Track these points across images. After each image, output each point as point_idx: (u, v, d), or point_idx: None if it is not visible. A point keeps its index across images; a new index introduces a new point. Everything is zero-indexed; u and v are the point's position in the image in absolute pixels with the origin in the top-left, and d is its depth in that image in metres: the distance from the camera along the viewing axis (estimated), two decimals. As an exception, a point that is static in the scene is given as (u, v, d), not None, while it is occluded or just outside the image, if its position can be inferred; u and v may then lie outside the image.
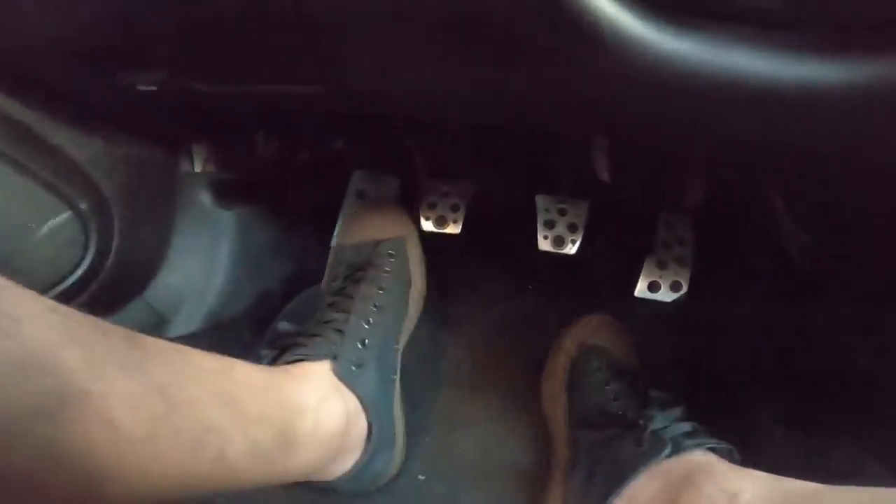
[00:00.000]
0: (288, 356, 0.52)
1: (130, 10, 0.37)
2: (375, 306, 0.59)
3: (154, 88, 0.47)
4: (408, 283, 0.65)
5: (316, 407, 0.47)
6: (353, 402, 0.52)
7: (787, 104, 0.31)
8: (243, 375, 0.41)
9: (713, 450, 0.45)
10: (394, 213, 0.69)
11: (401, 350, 0.63)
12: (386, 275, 0.63)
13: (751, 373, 0.66)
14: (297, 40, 0.36)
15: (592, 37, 0.30)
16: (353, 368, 0.53)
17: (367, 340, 0.56)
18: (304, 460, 0.45)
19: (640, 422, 0.49)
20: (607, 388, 0.56)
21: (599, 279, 0.74)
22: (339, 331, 0.55)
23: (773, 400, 0.63)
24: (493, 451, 0.63)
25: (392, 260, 0.64)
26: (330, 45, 0.36)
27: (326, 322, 0.57)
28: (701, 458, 0.45)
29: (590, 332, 0.63)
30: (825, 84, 0.30)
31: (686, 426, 0.48)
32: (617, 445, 0.48)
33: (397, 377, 0.61)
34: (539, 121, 0.46)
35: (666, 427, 0.47)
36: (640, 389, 0.55)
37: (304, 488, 0.52)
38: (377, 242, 0.65)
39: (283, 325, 0.57)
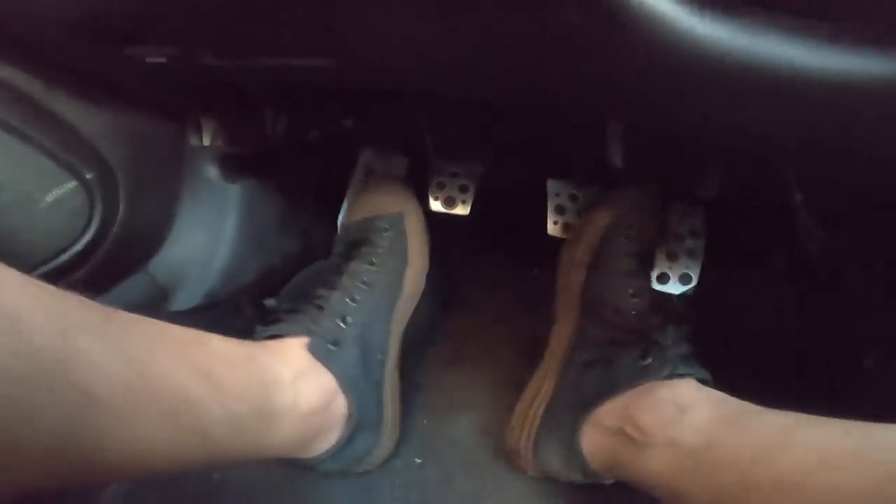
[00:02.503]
0: (267, 331, 0.52)
1: None
2: (364, 282, 0.58)
3: (163, 61, 0.46)
4: (404, 260, 0.63)
5: (293, 382, 0.47)
6: (330, 380, 0.51)
7: (824, 97, 0.30)
8: (219, 348, 0.42)
9: (702, 381, 0.45)
10: (395, 188, 0.67)
11: (395, 331, 0.61)
12: (380, 250, 0.62)
13: (755, 372, 0.65)
14: (310, 10, 0.35)
15: (625, 17, 0.28)
16: (330, 346, 0.52)
17: (348, 318, 0.55)
18: (284, 435, 0.45)
19: (652, 333, 0.48)
20: (629, 280, 0.55)
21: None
22: (320, 307, 0.54)
23: (774, 400, 0.62)
24: (491, 435, 0.63)
25: (388, 235, 0.63)
26: (343, 14, 0.35)
27: (313, 298, 0.56)
28: (685, 386, 0.44)
29: (627, 209, 0.61)
30: (863, 78, 0.29)
31: (685, 347, 0.47)
32: (622, 351, 0.48)
33: (388, 358, 0.59)
34: (559, 101, 0.45)
35: (671, 345, 0.47)
36: (659, 292, 0.55)
37: (300, 469, 0.52)
38: (375, 218, 0.65)
39: (270, 302, 0.56)
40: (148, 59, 0.46)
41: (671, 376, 0.44)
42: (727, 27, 0.29)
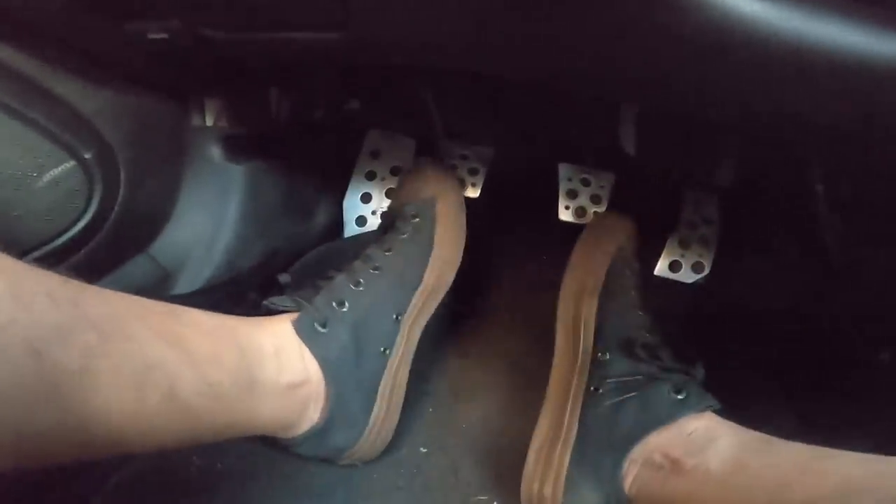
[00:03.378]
0: (264, 306, 0.50)
1: None
2: (375, 268, 0.55)
3: (165, 37, 0.44)
4: (428, 249, 0.58)
5: (275, 354, 0.44)
6: (313, 362, 0.47)
7: (873, 82, 0.29)
8: (193, 318, 0.40)
9: (716, 411, 0.46)
10: (433, 173, 0.63)
11: (409, 324, 0.56)
12: (403, 237, 0.58)
13: (766, 364, 0.63)
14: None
15: None
16: (317, 327, 0.48)
17: (347, 301, 0.51)
18: (269, 408, 0.43)
19: (684, 370, 0.48)
20: (640, 314, 0.54)
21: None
22: (320, 287, 0.51)
23: (787, 394, 0.61)
24: (497, 425, 0.62)
25: (415, 222, 0.59)
26: None
27: (322, 278, 0.53)
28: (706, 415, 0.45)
29: (626, 237, 0.60)
30: None
31: (702, 374, 0.48)
32: (656, 386, 0.47)
33: (394, 352, 0.54)
34: (586, 80, 0.42)
35: (701, 379, 0.47)
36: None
37: (283, 453, 0.51)
38: (406, 203, 0.61)
39: (284, 277, 0.53)
40: (149, 36, 0.45)
41: (712, 409, 0.45)
42: (777, 5, 0.27)
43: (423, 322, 0.57)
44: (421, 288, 0.57)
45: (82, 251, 0.52)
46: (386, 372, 0.53)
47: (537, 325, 0.67)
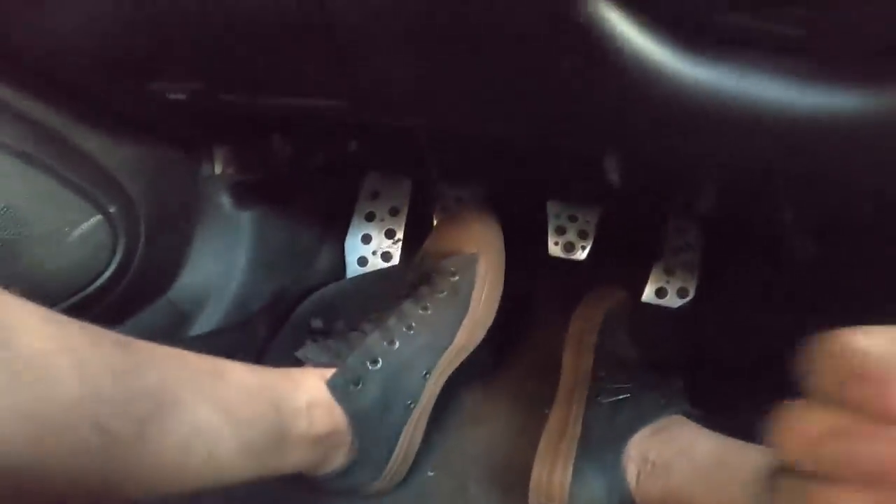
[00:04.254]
0: (300, 352, 0.53)
1: (159, 20, 0.38)
2: (409, 327, 0.55)
3: (183, 97, 0.48)
4: (464, 309, 0.58)
5: (307, 409, 0.47)
6: (342, 415, 0.50)
7: (808, 132, 0.32)
8: (237, 377, 0.43)
9: (686, 414, 0.55)
10: (478, 223, 0.62)
11: (434, 378, 0.57)
12: (440, 295, 0.57)
13: (754, 381, 0.67)
14: (327, 56, 0.38)
15: (613, 62, 0.31)
16: (350, 386, 0.51)
17: (380, 360, 0.53)
18: (295, 458, 0.46)
19: (667, 382, 0.58)
20: (631, 346, 0.64)
21: (607, 284, 0.75)
22: (354, 343, 0.53)
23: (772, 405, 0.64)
24: (503, 448, 0.65)
25: (454, 280, 0.58)
26: (355, 59, 0.37)
27: (353, 329, 0.55)
28: (678, 417, 0.54)
29: (615, 305, 0.68)
30: (844, 112, 0.31)
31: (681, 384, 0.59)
32: (646, 392, 0.57)
33: (419, 404, 0.56)
34: (561, 138, 0.48)
35: (681, 389, 0.58)
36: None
37: (298, 488, 0.54)
38: (447, 256, 0.60)
39: (316, 323, 0.58)
40: (170, 96, 0.48)
41: (683, 413, 0.55)
42: (711, 68, 0.31)
43: (447, 376, 0.58)
44: (452, 347, 0.57)
45: (106, 300, 0.55)
46: (409, 422, 0.56)
47: (535, 355, 0.70)
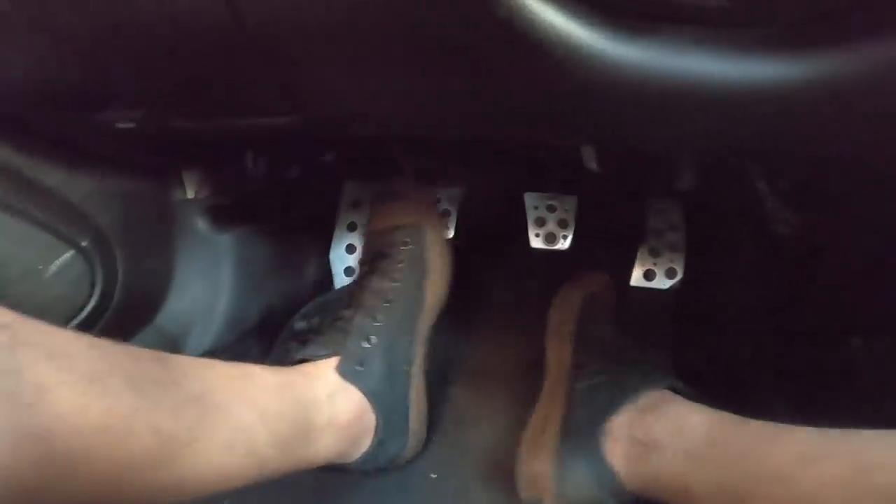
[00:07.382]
0: (297, 354, 0.56)
1: (95, 50, 0.37)
2: (387, 301, 0.61)
3: (133, 126, 0.48)
4: (424, 273, 0.65)
5: (328, 400, 0.52)
6: (360, 396, 0.55)
7: (741, 103, 0.32)
8: (261, 379, 0.48)
9: (672, 388, 0.54)
10: (414, 199, 0.69)
11: (419, 339, 0.63)
12: (400, 265, 0.64)
13: (745, 356, 0.67)
14: (262, 74, 0.38)
15: (534, 46, 0.30)
16: (357, 367, 0.56)
17: (372, 337, 0.58)
18: (324, 447, 0.51)
19: (650, 360, 0.58)
20: (615, 333, 0.63)
21: (594, 271, 0.75)
22: (345, 329, 0.58)
23: (766, 382, 0.64)
24: (503, 447, 0.65)
25: (408, 248, 0.65)
26: (285, 71, 0.37)
27: (336, 319, 0.60)
28: (663, 393, 0.54)
29: (595, 290, 0.68)
30: (775, 81, 0.31)
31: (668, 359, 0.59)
32: (626, 371, 0.56)
33: (413, 365, 0.62)
34: (517, 132, 0.48)
35: (665, 362, 0.58)
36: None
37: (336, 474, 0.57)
38: (395, 228, 0.67)
39: (299, 324, 0.61)
40: (118, 125, 0.49)
41: (669, 387, 0.53)
42: (638, 47, 0.31)
43: (427, 333, 0.65)
44: (425, 309, 0.64)
45: (92, 331, 0.56)
46: (412, 384, 0.62)
47: (529, 350, 0.70)
